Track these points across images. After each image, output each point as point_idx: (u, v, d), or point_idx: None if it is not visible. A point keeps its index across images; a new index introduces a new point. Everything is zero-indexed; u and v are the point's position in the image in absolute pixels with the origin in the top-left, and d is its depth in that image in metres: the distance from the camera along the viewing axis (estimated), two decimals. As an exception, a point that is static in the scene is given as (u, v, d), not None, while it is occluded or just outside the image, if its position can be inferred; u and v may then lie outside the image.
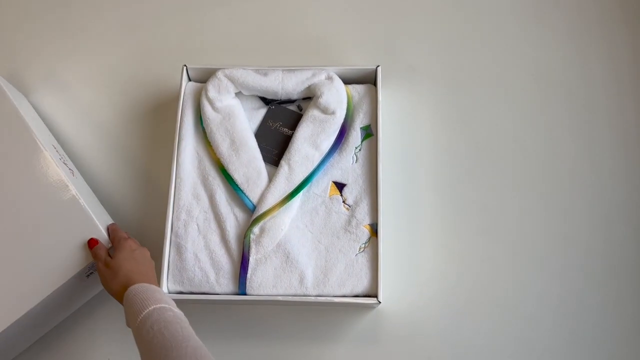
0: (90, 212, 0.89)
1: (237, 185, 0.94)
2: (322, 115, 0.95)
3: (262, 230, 0.92)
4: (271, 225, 0.92)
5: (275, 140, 0.98)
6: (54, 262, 0.87)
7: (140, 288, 0.78)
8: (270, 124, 0.99)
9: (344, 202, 0.95)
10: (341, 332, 0.94)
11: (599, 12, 1.08)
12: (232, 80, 0.96)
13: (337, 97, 0.95)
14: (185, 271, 0.92)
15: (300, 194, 0.94)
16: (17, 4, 1.13)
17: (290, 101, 1.00)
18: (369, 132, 0.97)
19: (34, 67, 1.09)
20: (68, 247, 0.88)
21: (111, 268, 0.83)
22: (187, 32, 1.10)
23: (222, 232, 0.94)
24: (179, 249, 0.93)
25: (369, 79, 1.00)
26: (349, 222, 0.93)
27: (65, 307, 0.95)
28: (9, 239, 0.88)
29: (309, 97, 0.99)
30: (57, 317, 0.95)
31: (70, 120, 1.06)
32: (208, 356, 0.67)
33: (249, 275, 0.91)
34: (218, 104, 0.96)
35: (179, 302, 0.94)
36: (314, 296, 0.90)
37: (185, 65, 0.99)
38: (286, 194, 0.93)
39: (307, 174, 0.94)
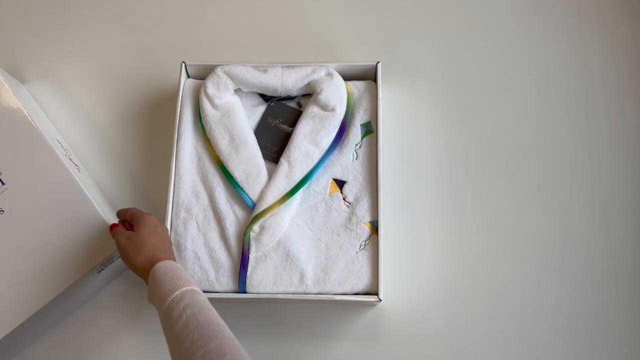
0: (99, 210, 0.89)
1: (236, 182, 0.94)
2: (322, 112, 0.94)
3: (262, 228, 0.92)
4: (271, 223, 0.92)
5: (275, 138, 0.98)
6: (65, 259, 0.87)
7: (169, 266, 0.75)
8: (270, 121, 0.99)
9: (344, 199, 0.94)
10: (342, 330, 0.94)
11: (600, 10, 1.07)
12: (231, 77, 0.96)
13: (337, 93, 0.95)
14: (185, 269, 0.91)
15: (300, 191, 0.93)
16: (15, 0, 1.12)
17: (290, 98, 0.99)
18: (369, 129, 0.97)
19: (31, 64, 1.08)
20: (79, 244, 0.87)
21: (134, 242, 0.79)
22: (185, 29, 1.10)
23: (222, 230, 0.93)
24: (178, 247, 0.92)
25: (369, 76, 1.00)
26: (349, 219, 0.93)
27: (74, 302, 0.95)
28: (17, 238, 0.88)
29: (308, 94, 0.99)
30: (64, 312, 0.96)
31: (68, 117, 1.05)
32: (241, 348, 0.65)
33: (248, 273, 0.90)
34: (217, 101, 0.96)
35: (178, 301, 0.96)
36: (314, 294, 0.90)
37: (184, 62, 0.98)
38: (286, 191, 0.92)
39: (307, 171, 0.93)
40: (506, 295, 0.95)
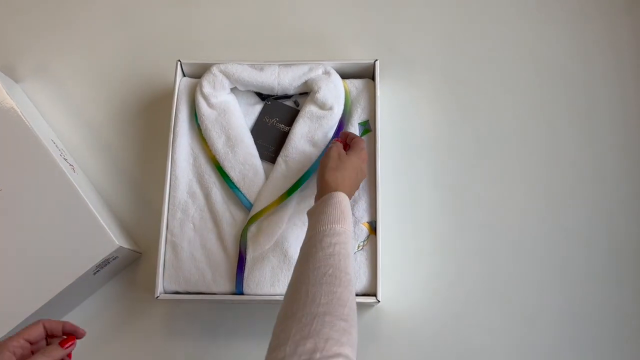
0: (94, 211, 0.88)
1: (233, 183, 0.93)
2: (320, 111, 0.93)
3: (259, 229, 0.91)
4: (268, 224, 0.91)
5: (272, 137, 0.97)
6: (60, 261, 0.86)
7: (346, 202, 0.75)
8: (267, 120, 0.98)
9: (342, 199, 0.93)
10: (340, 331, 0.93)
11: (600, 3, 1.06)
12: (227, 75, 0.94)
13: (334, 92, 0.94)
14: (182, 270, 0.91)
15: (298, 191, 0.92)
16: (8, -3, 1.11)
17: (287, 96, 0.98)
18: (367, 128, 0.96)
19: (25, 62, 1.07)
20: (74, 246, 0.87)
21: (342, 161, 0.81)
22: (181, 27, 1.08)
23: (219, 231, 0.92)
24: (174, 248, 0.92)
25: (367, 74, 0.99)
26: None
27: (70, 304, 0.95)
28: (11, 239, 0.87)
29: (305, 93, 0.97)
30: (59, 314, 0.95)
31: (63, 116, 1.04)
32: (355, 312, 0.64)
33: (245, 274, 0.90)
34: (213, 100, 0.94)
35: (175, 302, 0.96)
36: (312, 295, 0.89)
37: (179, 61, 0.97)
38: (283, 191, 0.91)
39: (304, 171, 0.92)
40: (507, 295, 0.94)
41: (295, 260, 0.87)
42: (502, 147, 1.01)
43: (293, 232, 0.91)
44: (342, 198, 0.75)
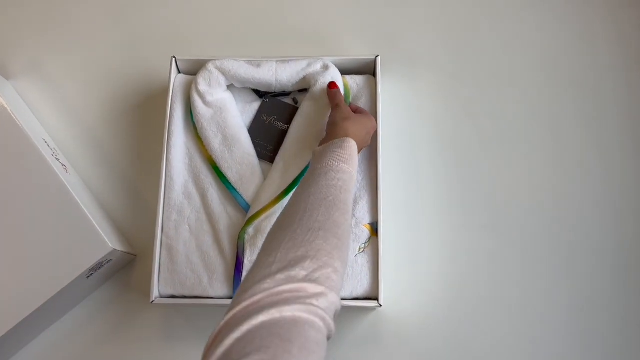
0: (88, 213, 0.86)
1: (230, 183, 0.90)
2: (318, 106, 0.91)
3: (256, 231, 0.89)
4: (266, 226, 0.89)
5: (270, 136, 0.94)
6: (53, 264, 0.85)
7: (355, 149, 0.77)
8: (265, 118, 0.95)
9: (342, 200, 0.91)
10: (340, 336, 0.91)
11: (608, -3, 1.04)
12: (223, 72, 0.92)
13: None
14: (177, 274, 0.89)
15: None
16: (-2, -9, 1.09)
17: (285, 94, 0.96)
18: (369, 126, 0.93)
19: (16, 58, 1.05)
20: (67, 248, 0.85)
21: (356, 116, 0.83)
22: (176, 22, 1.06)
23: (215, 233, 0.90)
24: (170, 251, 0.90)
25: (368, 70, 0.96)
26: None
27: (63, 308, 0.93)
28: (1, 242, 0.85)
29: (304, 89, 0.95)
30: (52, 318, 0.94)
31: (55, 115, 1.02)
32: (349, 240, 0.67)
33: (243, 277, 0.87)
34: (209, 98, 0.92)
35: (170, 306, 0.94)
36: (311, 299, 0.87)
37: (174, 57, 0.95)
38: (281, 191, 0.89)
39: (302, 169, 0.90)
40: (512, 298, 0.93)
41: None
42: (507, 145, 0.99)
43: (292, 233, 0.89)
44: (352, 144, 0.77)
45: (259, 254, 0.61)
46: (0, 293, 0.84)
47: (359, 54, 1.00)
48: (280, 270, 0.56)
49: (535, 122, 0.99)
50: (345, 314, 0.92)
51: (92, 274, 0.88)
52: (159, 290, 0.89)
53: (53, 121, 1.02)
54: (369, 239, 0.89)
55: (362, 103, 0.94)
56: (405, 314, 0.92)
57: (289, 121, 0.94)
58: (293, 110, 0.95)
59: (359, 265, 0.88)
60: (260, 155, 0.93)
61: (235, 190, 0.90)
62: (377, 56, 0.93)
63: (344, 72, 0.95)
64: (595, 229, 0.95)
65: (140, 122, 1.01)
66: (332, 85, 0.89)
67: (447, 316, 0.92)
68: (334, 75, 0.92)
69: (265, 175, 0.92)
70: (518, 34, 1.03)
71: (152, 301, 0.86)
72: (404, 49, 1.03)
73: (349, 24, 1.05)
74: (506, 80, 1.01)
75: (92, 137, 1.01)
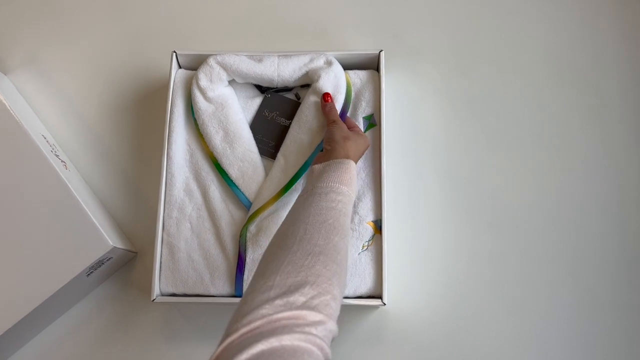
0: (87, 210, 0.85)
1: (231, 180, 0.89)
2: (319, 101, 0.90)
3: (258, 229, 0.88)
4: (268, 223, 0.88)
5: (272, 132, 0.93)
6: (52, 262, 0.84)
7: (355, 173, 0.77)
8: (266, 114, 0.94)
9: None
10: (343, 334, 0.91)
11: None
12: (224, 67, 0.91)
13: (334, 81, 0.90)
14: (178, 272, 0.88)
15: (299, 189, 0.89)
16: (-4, -16, 1.07)
17: (287, 89, 0.95)
18: (372, 122, 0.92)
19: (13, 51, 1.04)
20: (66, 246, 0.84)
21: (353, 136, 0.83)
22: (176, 16, 1.05)
23: (217, 231, 0.89)
24: (171, 249, 0.89)
25: (372, 65, 0.95)
26: (352, 218, 0.88)
27: (62, 306, 0.92)
28: (0, 240, 0.84)
29: (307, 85, 0.94)
30: (52, 317, 0.93)
31: (54, 110, 1.01)
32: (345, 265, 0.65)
33: (245, 276, 0.87)
34: (210, 94, 0.91)
35: (171, 305, 0.93)
36: (314, 298, 0.86)
37: (174, 52, 0.94)
38: (280, 187, 0.88)
39: (302, 163, 0.89)
40: (517, 297, 0.92)
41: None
42: (511, 141, 0.98)
43: (294, 231, 0.88)
44: (353, 166, 0.77)
45: (257, 273, 0.60)
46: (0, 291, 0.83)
47: (363, 48, 0.99)
48: (279, 295, 0.55)
49: (540, 118, 0.98)
50: (348, 313, 0.91)
51: (92, 271, 0.88)
52: (159, 289, 0.88)
53: (52, 117, 1.01)
54: (373, 236, 0.88)
55: (366, 98, 0.92)
56: (409, 313, 0.91)
57: (291, 117, 0.93)
58: (295, 106, 0.93)
59: (363, 263, 0.87)
60: (262, 152, 0.92)
61: (236, 187, 0.89)
62: (381, 51, 0.92)
63: (347, 67, 0.94)
64: (599, 227, 0.94)
65: (140, 117, 1.00)
66: (326, 97, 0.88)
67: (452, 315, 0.91)
68: (337, 71, 0.91)
69: (267, 172, 0.91)
70: (523, 28, 1.02)
71: (153, 299, 0.85)
72: (408, 43, 1.02)
73: (352, 18, 1.03)
74: (511, 75, 1.00)
75: (91, 133, 1.00)
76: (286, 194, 0.88)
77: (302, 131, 0.90)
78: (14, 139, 0.87)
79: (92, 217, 0.85)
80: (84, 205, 0.86)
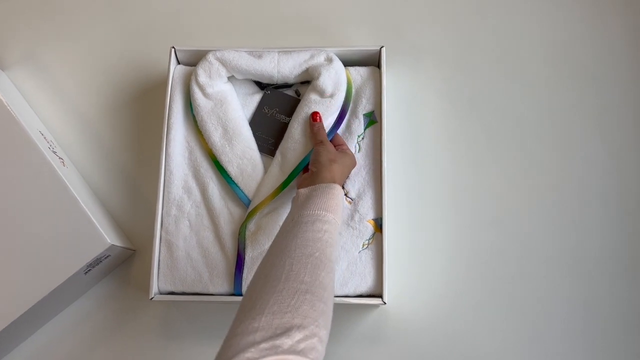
0: (85, 208, 0.85)
1: (230, 178, 0.89)
2: (319, 99, 0.89)
3: (258, 227, 0.87)
4: (267, 222, 0.87)
5: (272, 129, 0.92)
6: (50, 260, 0.83)
7: (342, 199, 0.76)
8: (266, 111, 0.93)
9: (346, 195, 0.89)
10: (343, 333, 0.90)
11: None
12: (223, 63, 0.90)
13: (335, 78, 0.89)
14: (177, 270, 0.87)
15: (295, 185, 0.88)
16: (-7, -20, 1.06)
17: (287, 85, 0.94)
18: (373, 119, 0.91)
19: (11, 48, 1.03)
20: (64, 244, 0.84)
21: (341, 157, 0.83)
22: (175, 11, 1.04)
23: (216, 229, 0.88)
24: (169, 247, 0.88)
25: (373, 61, 0.94)
26: (352, 216, 0.88)
27: (60, 304, 0.92)
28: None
29: (307, 81, 0.93)
30: (50, 315, 0.93)
31: (50, 106, 1.00)
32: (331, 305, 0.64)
33: (244, 274, 0.86)
34: (209, 90, 0.90)
35: (170, 303, 0.93)
36: (314, 296, 0.85)
37: (173, 47, 0.93)
38: (278, 184, 0.87)
39: (300, 160, 0.88)
40: (518, 296, 0.91)
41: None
42: (513, 139, 0.97)
43: (294, 229, 0.87)
44: (339, 191, 0.76)
45: (242, 309, 0.59)
46: (-2, 288, 0.83)
47: (364, 44, 0.98)
48: (265, 339, 0.54)
49: (542, 116, 0.97)
50: (348, 312, 0.91)
51: (90, 269, 0.87)
52: (158, 287, 0.87)
53: (49, 113, 1.00)
54: (373, 235, 0.88)
55: (366, 95, 0.92)
56: (409, 312, 0.91)
57: (291, 114, 0.92)
58: (295, 103, 0.93)
59: (363, 262, 0.87)
60: (262, 149, 0.91)
61: (235, 185, 0.88)
62: (382, 47, 0.91)
63: (348, 63, 0.93)
64: (600, 227, 0.93)
65: (138, 114, 1.00)
66: (314, 116, 0.87)
67: (452, 314, 0.91)
68: (337, 68, 0.90)
69: (266, 170, 0.90)
70: (524, 26, 1.01)
71: (152, 298, 0.85)
72: (410, 39, 1.01)
73: (353, 13, 1.02)
74: (513, 72, 0.99)
75: (89, 129, 1.00)
76: (284, 191, 0.87)
77: (301, 128, 0.89)
78: (10, 136, 0.86)
79: (90, 214, 0.85)
80: (81, 202, 0.85)
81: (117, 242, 0.87)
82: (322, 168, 0.79)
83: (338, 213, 0.73)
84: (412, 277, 0.92)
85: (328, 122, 0.90)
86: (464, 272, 0.92)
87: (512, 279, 0.92)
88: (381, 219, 0.87)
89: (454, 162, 0.96)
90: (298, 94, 0.94)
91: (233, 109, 0.91)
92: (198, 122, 0.90)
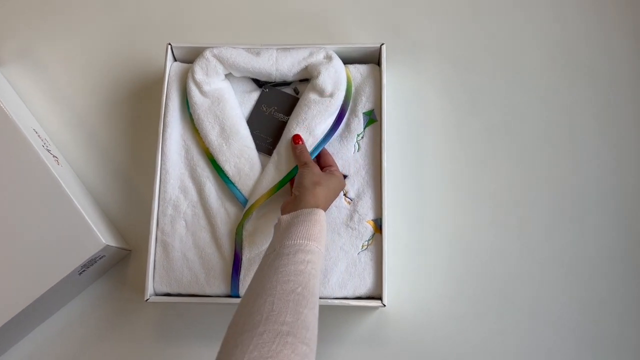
0: (80, 208, 0.84)
1: (227, 177, 0.87)
2: (319, 98, 0.88)
3: (255, 228, 0.86)
4: (265, 222, 0.86)
5: (270, 127, 0.91)
6: (43, 260, 0.83)
7: (324, 224, 0.74)
8: (264, 109, 0.92)
9: (345, 195, 0.89)
10: (341, 335, 0.90)
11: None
12: (221, 60, 0.88)
13: (335, 77, 0.88)
14: (173, 271, 0.86)
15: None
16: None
17: (286, 83, 0.93)
18: (373, 118, 0.90)
19: (5, 44, 1.02)
20: (58, 244, 0.83)
21: (326, 178, 0.80)
22: (171, 7, 1.03)
23: (213, 229, 0.87)
24: (165, 247, 0.87)
25: (373, 59, 0.93)
26: (351, 217, 0.87)
27: (54, 306, 0.91)
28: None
29: (306, 79, 0.92)
30: (43, 316, 0.92)
31: (45, 103, 0.99)
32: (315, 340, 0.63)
33: (241, 275, 0.85)
34: (206, 88, 0.89)
35: (166, 305, 0.92)
36: (312, 298, 0.84)
37: (169, 44, 0.92)
38: (274, 184, 0.86)
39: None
40: (517, 297, 0.91)
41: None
42: (515, 138, 0.96)
43: (292, 230, 0.86)
44: (322, 217, 0.73)
45: (222, 350, 0.58)
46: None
47: (364, 42, 0.98)
48: None
49: (544, 114, 0.97)
50: (347, 313, 0.90)
51: (84, 270, 0.86)
52: (153, 288, 0.86)
53: (44, 110, 0.99)
54: (373, 235, 0.87)
55: (366, 93, 0.91)
56: (409, 312, 0.90)
57: (289, 112, 0.91)
58: (294, 101, 0.91)
59: (362, 263, 0.86)
60: (260, 148, 0.90)
61: (232, 184, 0.87)
62: (382, 44, 0.90)
63: (347, 60, 0.92)
64: (602, 227, 0.93)
65: (134, 112, 0.99)
66: (296, 139, 0.86)
67: (453, 317, 0.90)
68: (337, 66, 0.88)
69: (264, 169, 0.89)
70: (525, 22, 1.00)
71: (147, 299, 0.84)
72: (410, 37, 1.00)
73: (353, 10, 1.02)
74: (514, 69, 0.99)
75: (84, 127, 0.99)
76: (281, 190, 0.86)
77: (296, 125, 0.88)
78: (4, 134, 0.85)
79: (84, 214, 0.84)
80: (76, 202, 0.84)
81: (112, 243, 0.86)
82: (306, 192, 0.77)
83: (321, 240, 0.71)
84: (411, 279, 0.91)
85: (327, 122, 0.89)
86: (464, 273, 0.91)
87: (511, 280, 0.91)
88: (381, 219, 0.86)
89: (456, 162, 0.95)
90: (297, 92, 0.93)
91: (230, 107, 0.89)
92: (195, 120, 0.89)
